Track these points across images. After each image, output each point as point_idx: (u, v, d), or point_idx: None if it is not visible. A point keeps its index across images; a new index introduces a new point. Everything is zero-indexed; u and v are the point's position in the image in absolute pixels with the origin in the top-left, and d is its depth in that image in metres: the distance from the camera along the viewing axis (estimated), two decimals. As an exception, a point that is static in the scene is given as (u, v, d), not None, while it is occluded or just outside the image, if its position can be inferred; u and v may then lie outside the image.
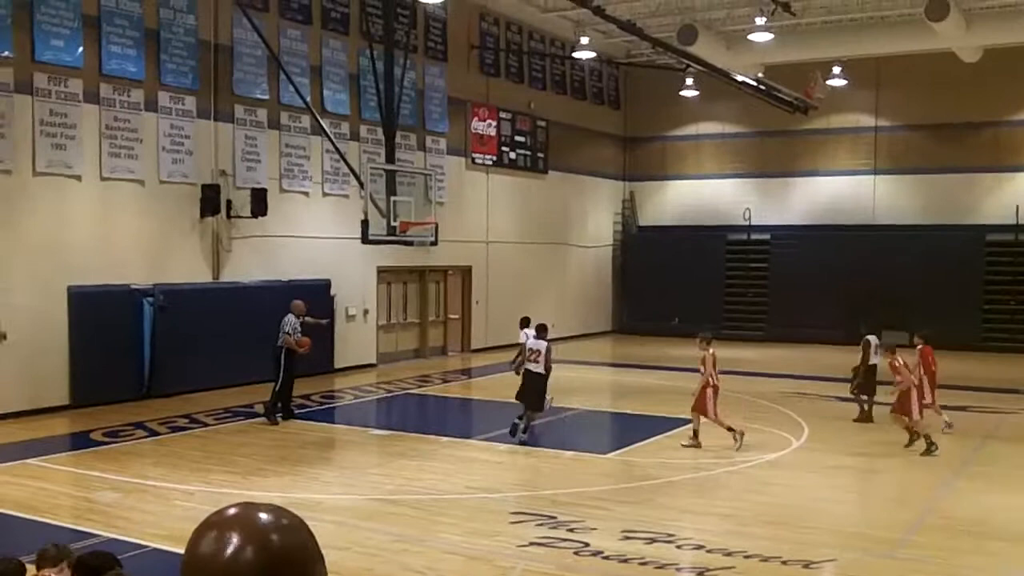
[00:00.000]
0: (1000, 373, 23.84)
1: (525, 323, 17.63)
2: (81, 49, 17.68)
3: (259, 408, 18.11)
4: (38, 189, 17.18)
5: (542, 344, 15.64)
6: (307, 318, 17.23)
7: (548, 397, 15.90)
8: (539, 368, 15.49)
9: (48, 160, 17.28)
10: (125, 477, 12.80)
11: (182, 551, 1.65)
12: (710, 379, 14.92)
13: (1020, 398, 20.34)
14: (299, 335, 16.94)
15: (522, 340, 16.65)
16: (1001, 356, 27.67)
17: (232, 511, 1.67)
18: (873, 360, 17.43)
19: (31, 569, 5.95)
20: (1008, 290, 29.44)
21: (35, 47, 16.98)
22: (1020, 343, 28.78)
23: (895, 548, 10.08)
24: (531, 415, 15.53)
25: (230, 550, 1.59)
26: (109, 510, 11.31)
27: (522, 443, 15.09)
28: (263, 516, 1.65)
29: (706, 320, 31.97)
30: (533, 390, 15.50)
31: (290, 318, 16.94)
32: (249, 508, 1.68)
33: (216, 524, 1.64)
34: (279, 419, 16.78)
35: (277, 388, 16.82)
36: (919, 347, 16.63)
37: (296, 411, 17.45)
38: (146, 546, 9.70)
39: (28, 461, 13.60)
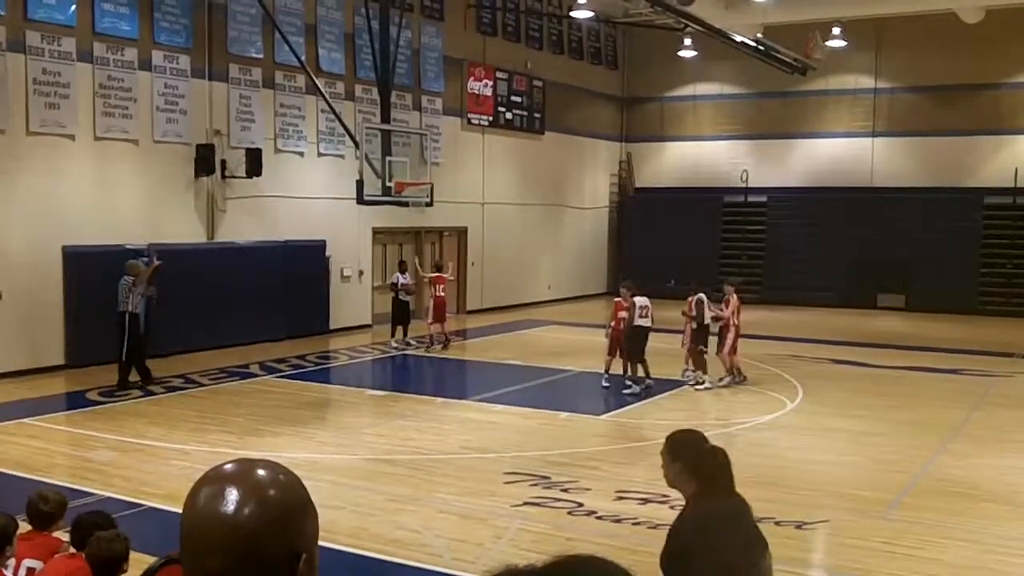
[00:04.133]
0: (996, 336, 23.90)
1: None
2: (74, 7, 17.52)
3: (254, 368, 18.17)
4: (32, 149, 17.09)
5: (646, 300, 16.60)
6: (146, 284, 16.25)
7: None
8: (647, 322, 16.34)
9: (41, 119, 17.17)
10: (121, 436, 12.84)
11: (179, 510, 1.65)
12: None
13: (1015, 361, 20.40)
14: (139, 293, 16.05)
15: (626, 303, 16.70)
16: (997, 319, 27.73)
17: (230, 467, 1.70)
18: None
19: (24, 526, 5.97)
20: (1005, 254, 29.44)
21: (28, 5, 16.82)
22: (1016, 307, 28.83)
23: (888, 509, 10.14)
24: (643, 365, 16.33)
25: (230, 505, 1.62)
26: (106, 469, 11.35)
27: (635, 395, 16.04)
28: (260, 472, 1.68)
29: (701, 282, 32.08)
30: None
31: (126, 279, 15.94)
32: (246, 464, 1.70)
33: (215, 480, 1.68)
34: (133, 383, 16.06)
35: (123, 356, 15.96)
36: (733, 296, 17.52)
37: (154, 375, 16.49)
38: (143, 505, 9.75)
39: (24, 420, 13.63)
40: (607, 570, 1.37)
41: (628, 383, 16.40)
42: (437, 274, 21.17)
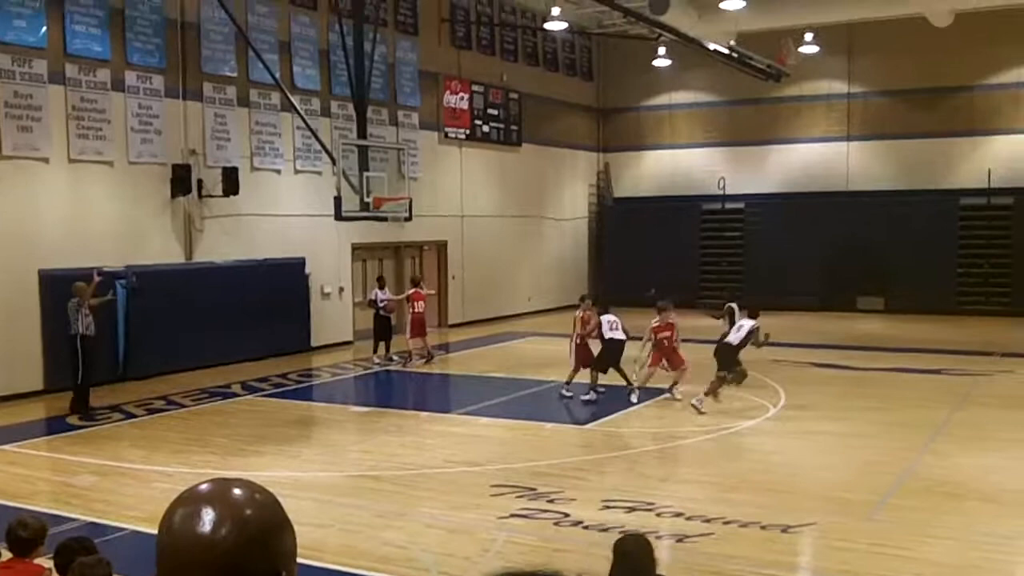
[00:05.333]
0: (975, 336, 24.02)
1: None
2: (45, 29, 17.43)
3: (236, 388, 18.08)
4: (5, 172, 16.97)
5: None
6: (92, 301, 15.90)
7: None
8: (620, 335, 16.60)
9: (14, 143, 17.06)
10: (103, 460, 12.73)
11: (161, 530, 1.63)
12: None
13: (994, 361, 20.51)
14: (86, 314, 15.76)
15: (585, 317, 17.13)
16: (975, 319, 27.89)
17: (205, 487, 1.68)
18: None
19: (6, 554, 5.91)
20: (982, 254, 29.61)
21: (-2, 28, 16.74)
22: (994, 306, 29.01)
23: (874, 510, 10.15)
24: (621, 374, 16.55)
25: (207, 526, 1.60)
26: (88, 494, 11.25)
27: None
28: (236, 491, 1.66)
29: (681, 290, 32.17)
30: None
31: (73, 301, 15.70)
32: (222, 483, 1.68)
33: (190, 500, 1.65)
34: (92, 407, 15.85)
35: (79, 380, 15.74)
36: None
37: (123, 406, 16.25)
38: (126, 529, 9.67)
39: (4, 447, 13.50)
40: None
41: (589, 391, 16.53)
42: (414, 290, 21.13)
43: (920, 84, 30.09)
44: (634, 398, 16.26)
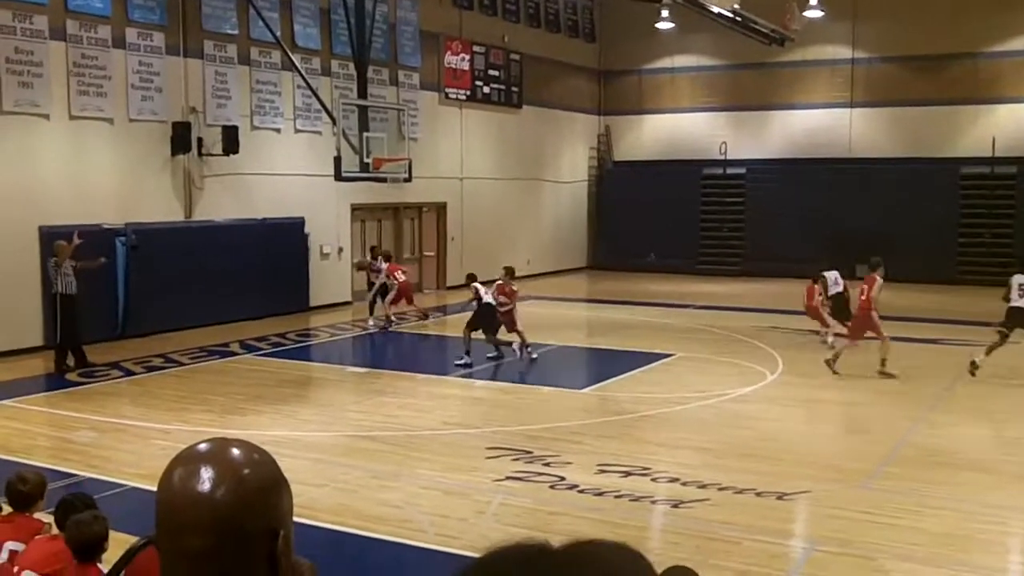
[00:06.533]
0: (974, 306, 23.98)
1: None
2: (45, -16, 17.32)
3: (235, 347, 18.11)
4: (6, 128, 16.91)
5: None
6: (73, 263, 15.68)
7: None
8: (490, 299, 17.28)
9: (15, 99, 16.99)
10: (102, 417, 12.77)
11: (159, 488, 1.64)
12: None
13: (993, 331, 20.48)
14: (66, 273, 15.58)
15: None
16: (976, 289, 27.83)
17: (204, 446, 1.69)
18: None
19: (6, 508, 5.94)
20: (983, 223, 29.57)
21: (-2, -18, 16.63)
22: (994, 276, 28.90)
23: (869, 479, 10.20)
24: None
25: (206, 484, 1.61)
26: (86, 450, 11.30)
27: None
28: (234, 451, 1.68)
29: (681, 255, 32.16)
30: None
31: (51, 260, 15.73)
32: (221, 443, 1.70)
33: (189, 459, 1.67)
34: (68, 366, 15.76)
35: (58, 339, 15.78)
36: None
37: (90, 360, 16.02)
38: (124, 485, 9.71)
39: (4, 402, 13.54)
40: (624, 559, 1.32)
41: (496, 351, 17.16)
42: (388, 264, 20.82)
43: (924, 51, 29.92)
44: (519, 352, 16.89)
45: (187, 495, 1.61)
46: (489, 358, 16.99)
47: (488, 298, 17.15)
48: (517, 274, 18.31)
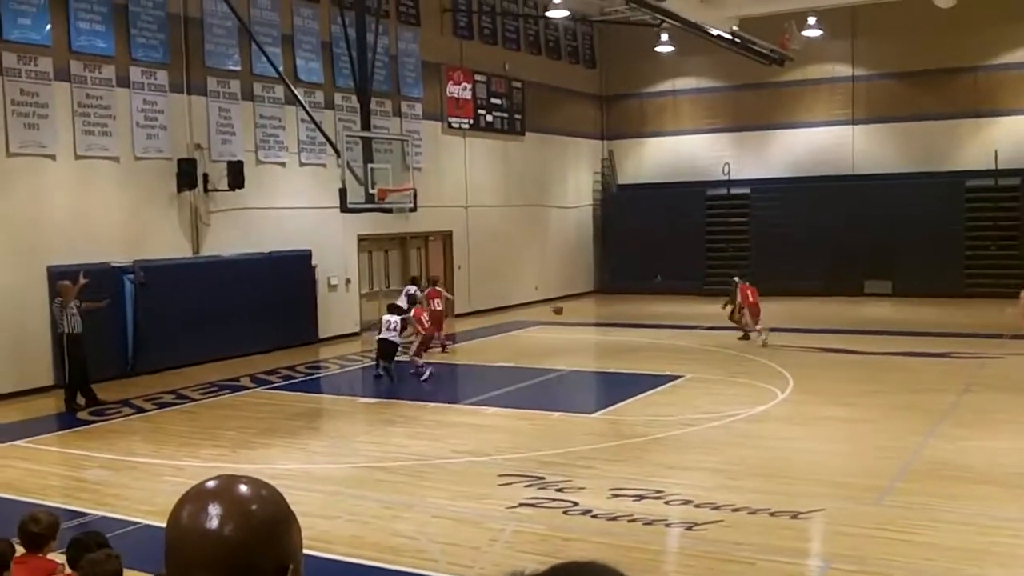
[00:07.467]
0: (982, 319, 23.99)
1: None
2: (49, 26, 17.47)
3: (245, 381, 18.14)
4: (13, 170, 17.03)
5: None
6: (78, 303, 15.76)
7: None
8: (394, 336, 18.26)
9: (21, 140, 17.12)
10: (113, 455, 12.79)
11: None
12: None
13: (1002, 343, 20.48)
14: (72, 313, 15.66)
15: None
16: (983, 302, 27.80)
17: (211, 483, 1.71)
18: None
19: (19, 549, 5.96)
20: (989, 236, 29.56)
21: (2, 25, 16.77)
22: (1001, 288, 28.88)
23: (882, 495, 10.17)
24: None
25: (213, 521, 1.64)
26: (99, 488, 11.31)
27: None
28: (242, 487, 1.70)
29: (688, 277, 32.20)
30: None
31: (56, 300, 15.90)
32: (228, 480, 1.72)
33: (197, 497, 1.69)
34: (79, 405, 15.81)
35: (66, 379, 15.85)
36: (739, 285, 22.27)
37: (100, 397, 16.07)
38: (137, 522, 9.71)
39: (15, 442, 13.57)
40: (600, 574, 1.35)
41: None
42: (432, 288, 21.53)
43: (924, 65, 30.01)
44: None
45: (196, 532, 1.63)
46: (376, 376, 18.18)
47: (388, 335, 17.97)
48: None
